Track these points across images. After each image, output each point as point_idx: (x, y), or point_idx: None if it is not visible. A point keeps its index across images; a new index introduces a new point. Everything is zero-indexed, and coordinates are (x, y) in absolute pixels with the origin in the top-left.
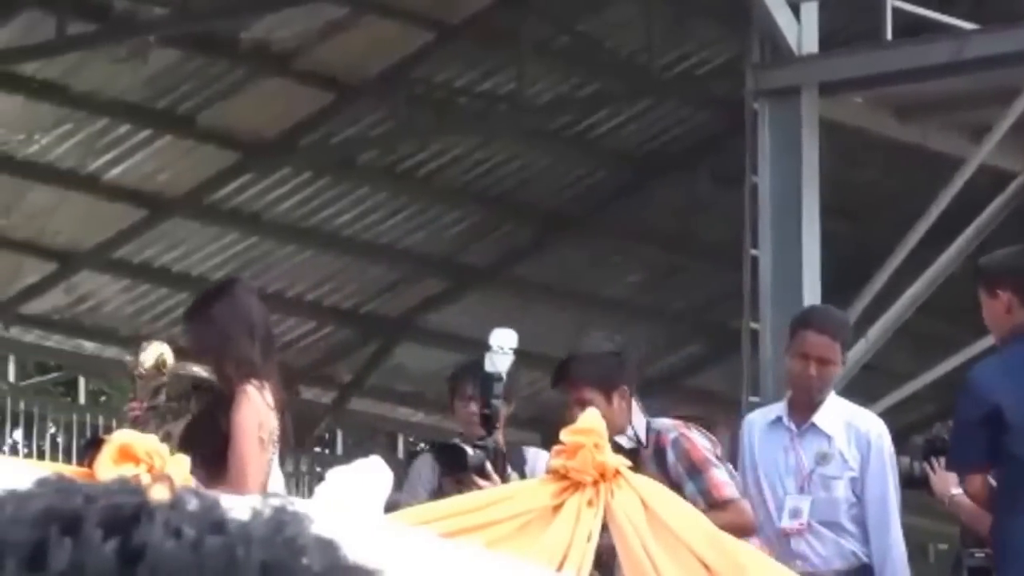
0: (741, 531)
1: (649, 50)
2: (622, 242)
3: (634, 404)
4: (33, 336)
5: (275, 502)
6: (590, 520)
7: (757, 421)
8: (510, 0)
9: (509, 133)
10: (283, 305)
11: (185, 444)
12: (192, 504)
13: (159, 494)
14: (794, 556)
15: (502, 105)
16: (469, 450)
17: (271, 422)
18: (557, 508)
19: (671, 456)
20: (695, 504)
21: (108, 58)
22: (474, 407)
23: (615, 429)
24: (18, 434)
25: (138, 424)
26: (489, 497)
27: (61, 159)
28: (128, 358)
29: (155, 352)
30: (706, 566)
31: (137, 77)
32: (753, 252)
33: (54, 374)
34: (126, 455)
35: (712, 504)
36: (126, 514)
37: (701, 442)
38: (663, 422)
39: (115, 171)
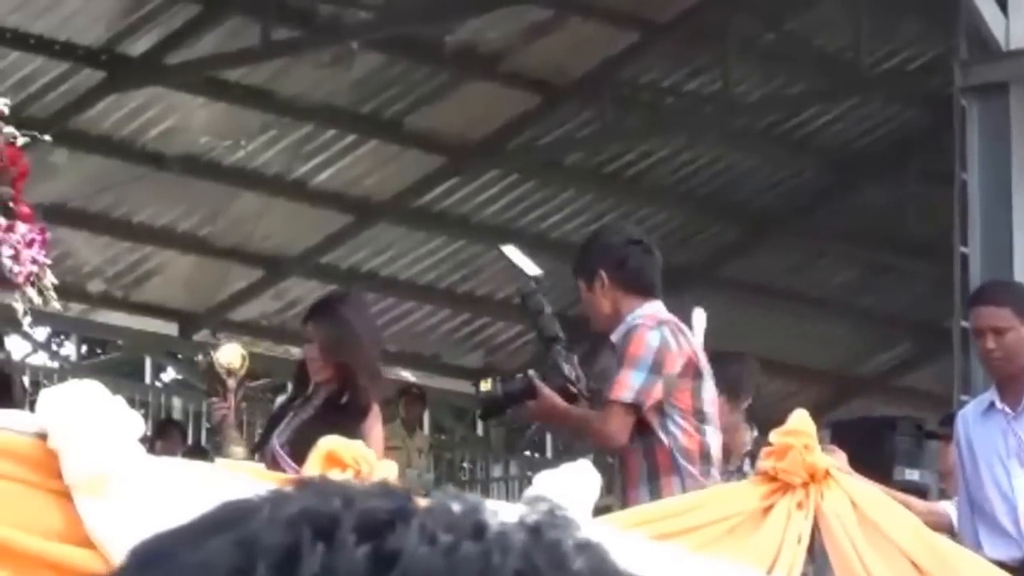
0: (597, 438)
1: (856, 47)
2: (830, 242)
3: (620, 295)
4: (241, 342)
5: (542, 506)
6: (800, 522)
7: (970, 412)
8: None
9: (716, 133)
10: (491, 309)
11: (300, 446)
12: (452, 509)
13: (418, 498)
14: None
15: (708, 105)
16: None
17: None
18: (767, 510)
19: (620, 342)
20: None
21: (312, 63)
22: None
23: (596, 318)
24: (240, 452)
25: (227, 424)
26: (697, 500)
27: (267, 165)
28: (202, 357)
29: (237, 351)
30: (917, 566)
31: (342, 82)
32: (963, 250)
33: (263, 380)
34: (333, 461)
35: (602, 402)
36: (382, 518)
37: (652, 342)
38: (646, 312)
39: (321, 176)
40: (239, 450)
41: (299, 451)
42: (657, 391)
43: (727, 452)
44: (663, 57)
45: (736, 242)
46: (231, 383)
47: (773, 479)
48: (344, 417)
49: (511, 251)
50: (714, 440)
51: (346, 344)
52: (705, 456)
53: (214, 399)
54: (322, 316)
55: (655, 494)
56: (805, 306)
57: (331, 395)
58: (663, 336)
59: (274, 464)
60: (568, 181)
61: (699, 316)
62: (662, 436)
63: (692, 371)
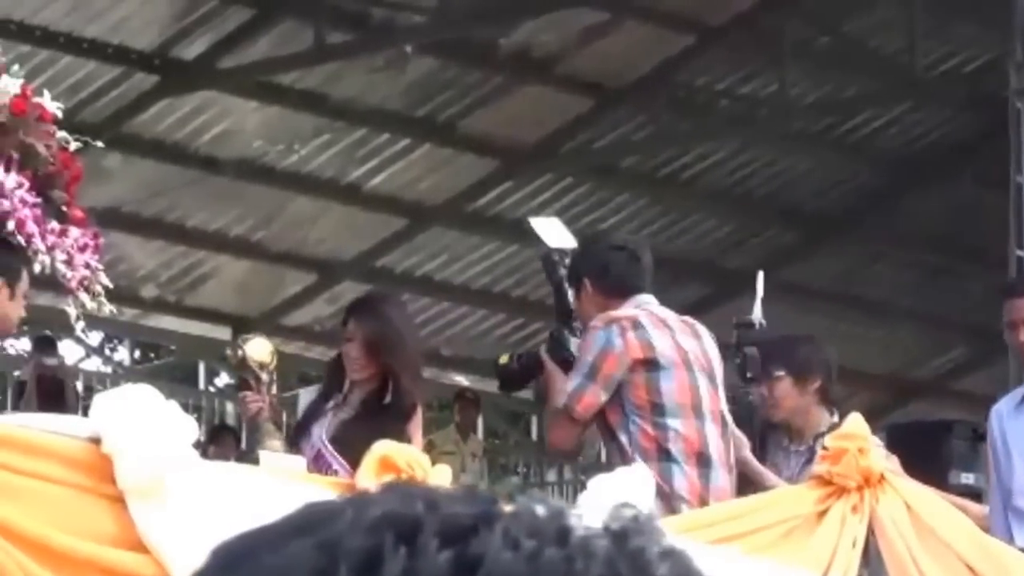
0: (551, 444)
1: (911, 50)
2: (886, 245)
3: (603, 301)
4: (295, 347)
5: (627, 512)
6: (855, 526)
7: (1003, 407)
8: (772, 1)
9: (771, 136)
10: (545, 313)
11: (342, 446)
12: (536, 514)
13: (503, 502)
14: None
15: (763, 108)
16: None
17: None
18: (821, 514)
19: None
20: None
21: (366, 67)
22: None
23: (584, 325)
24: (278, 445)
25: (260, 418)
26: (752, 504)
27: (321, 169)
28: (230, 352)
29: (267, 346)
30: (972, 570)
31: (395, 86)
32: (1019, 253)
33: (316, 385)
34: (387, 465)
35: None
36: (465, 523)
37: (594, 346)
38: (608, 314)
39: (375, 180)
40: (277, 443)
41: (342, 451)
42: (591, 396)
43: (799, 433)
44: (718, 60)
45: (791, 246)
46: (264, 376)
47: (828, 483)
48: (388, 419)
49: (539, 223)
50: (679, 433)
51: (390, 344)
52: (664, 452)
53: (247, 393)
54: (365, 315)
55: None
56: (860, 310)
57: (370, 395)
58: (607, 338)
59: (317, 462)
60: (623, 185)
61: (759, 280)
62: (623, 437)
63: (646, 365)
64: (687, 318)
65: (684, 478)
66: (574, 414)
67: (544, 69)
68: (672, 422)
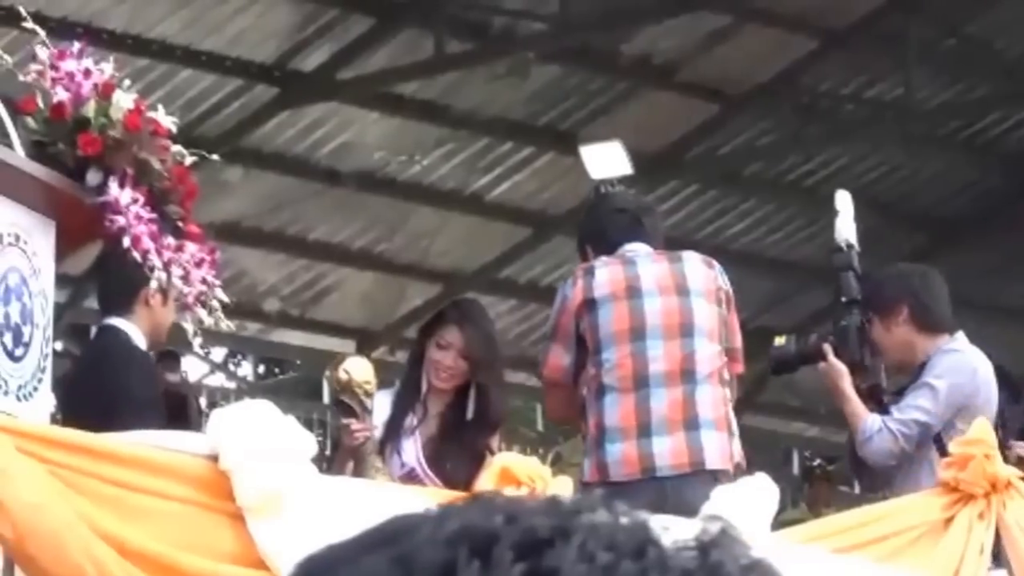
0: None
1: None
2: (1015, 248)
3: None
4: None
5: (714, 525)
6: (982, 533)
7: None
8: (896, 3)
9: (897, 140)
10: None
11: (432, 464)
12: (616, 527)
13: (585, 515)
14: None
15: (889, 112)
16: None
17: None
18: (948, 521)
19: None
20: None
21: (487, 76)
22: None
23: None
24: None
25: (365, 451)
26: (878, 512)
27: (443, 180)
28: (329, 372)
29: (368, 366)
30: None
31: (517, 94)
32: None
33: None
34: (507, 478)
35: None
36: (542, 536)
37: (555, 307)
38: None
39: (498, 190)
40: (382, 480)
41: (433, 469)
42: (553, 356)
43: (905, 368)
44: (842, 64)
45: (919, 250)
46: (368, 403)
47: (954, 489)
48: (472, 434)
49: (590, 150)
50: (613, 362)
51: (490, 357)
52: (600, 388)
53: (352, 420)
54: (469, 325)
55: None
56: (990, 313)
57: (449, 408)
58: (562, 293)
59: (409, 481)
60: (748, 191)
61: (838, 200)
62: (583, 392)
63: (587, 306)
64: (683, 251)
65: (617, 408)
66: (543, 378)
67: (666, 75)
68: (607, 354)
